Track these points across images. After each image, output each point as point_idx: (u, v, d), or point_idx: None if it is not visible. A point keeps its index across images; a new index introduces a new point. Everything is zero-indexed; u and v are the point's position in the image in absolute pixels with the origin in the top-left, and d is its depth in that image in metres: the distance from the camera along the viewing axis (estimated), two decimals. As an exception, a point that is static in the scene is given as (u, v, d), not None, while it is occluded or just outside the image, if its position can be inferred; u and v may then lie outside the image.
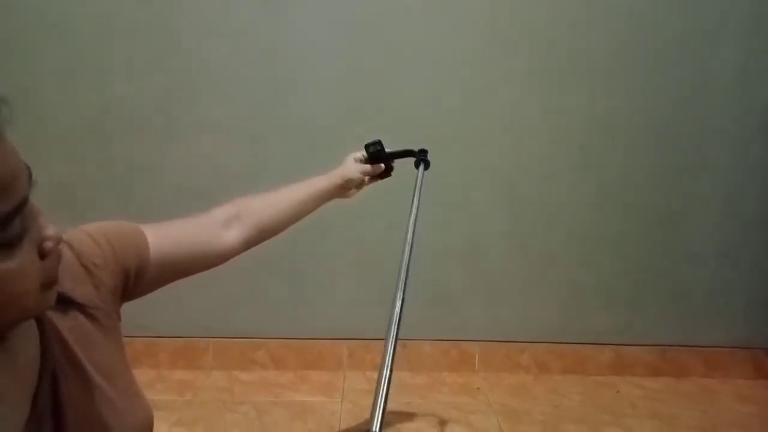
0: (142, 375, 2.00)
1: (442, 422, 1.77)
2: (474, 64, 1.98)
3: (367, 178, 1.20)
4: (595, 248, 2.12)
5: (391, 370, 0.72)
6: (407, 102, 1.99)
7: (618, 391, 2.03)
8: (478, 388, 2.01)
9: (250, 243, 0.95)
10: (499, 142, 2.04)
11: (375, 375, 2.06)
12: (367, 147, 1.20)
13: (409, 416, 1.80)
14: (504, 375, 2.11)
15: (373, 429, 0.67)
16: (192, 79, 1.95)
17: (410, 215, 1.05)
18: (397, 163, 1.27)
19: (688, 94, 2.02)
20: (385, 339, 0.76)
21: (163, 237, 0.79)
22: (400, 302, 0.85)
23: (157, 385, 1.96)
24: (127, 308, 2.25)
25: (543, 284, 2.13)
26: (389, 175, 1.25)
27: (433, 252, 2.09)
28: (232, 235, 0.91)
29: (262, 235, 0.97)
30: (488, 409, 1.86)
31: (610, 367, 2.15)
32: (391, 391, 2.08)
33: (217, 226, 0.90)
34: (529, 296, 2.14)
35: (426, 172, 1.26)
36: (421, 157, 1.27)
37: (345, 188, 1.15)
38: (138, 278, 0.75)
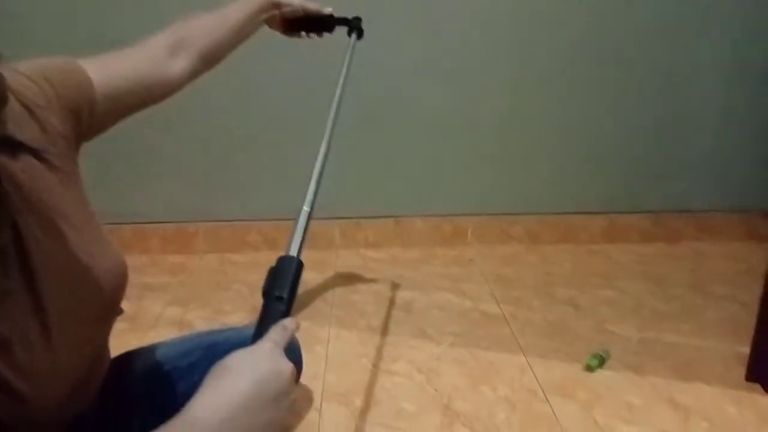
0: (133, 260, 2.00)
1: (434, 291, 1.79)
2: None
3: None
4: (588, 115, 2.04)
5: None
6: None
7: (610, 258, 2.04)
8: (470, 260, 2.02)
9: (198, 72, 0.90)
10: (496, 5, 1.89)
11: (368, 252, 2.08)
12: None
13: (400, 287, 1.82)
14: (496, 247, 2.12)
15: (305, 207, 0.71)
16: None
17: (338, 85, 0.98)
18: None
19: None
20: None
21: (106, 71, 0.72)
22: (318, 174, 0.81)
23: (150, 269, 1.96)
24: (113, 195, 2.22)
25: (534, 155, 2.08)
26: (329, 30, 1.20)
27: (425, 126, 2.02)
28: (178, 65, 0.85)
29: (208, 62, 0.92)
30: (480, 278, 1.88)
31: (602, 236, 2.15)
32: (382, 266, 2.07)
33: (162, 55, 0.83)
34: (521, 168, 2.09)
35: (359, 42, 1.19)
36: (353, 25, 1.20)
37: (270, 9, 1.08)
38: (89, 119, 0.69)
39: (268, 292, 0.63)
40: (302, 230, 0.71)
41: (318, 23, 1.17)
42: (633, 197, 2.14)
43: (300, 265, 0.66)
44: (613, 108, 2.03)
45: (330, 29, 1.21)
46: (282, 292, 0.62)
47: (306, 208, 0.74)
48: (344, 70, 1.05)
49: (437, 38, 1.92)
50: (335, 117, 0.96)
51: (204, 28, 0.92)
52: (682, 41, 1.97)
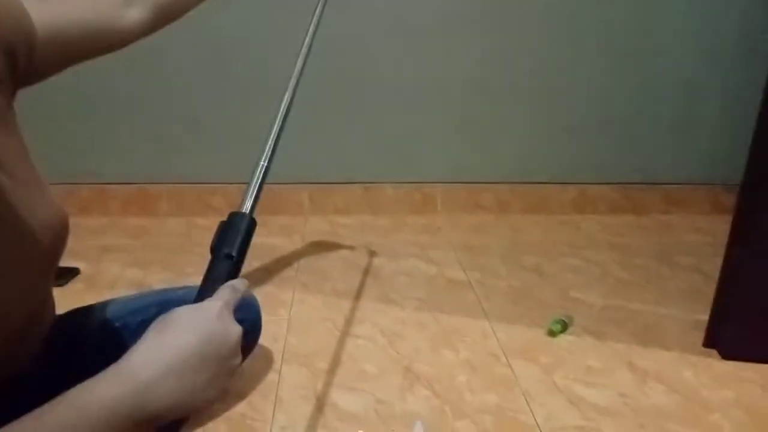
0: (92, 222, 1.94)
1: (402, 258, 1.77)
2: None
3: None
4: (558, 85, 2.02)
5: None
6: None
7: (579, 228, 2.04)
8: (439, 228, 2.01)
9: (154, 25, 0.82)
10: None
11: (337, 219, 2.05)
12: None
13: (368, 253, 1.79)
14: (466, 216, 2.11)
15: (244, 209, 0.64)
16: None
17: (307, 33, 0.92)
18: None
19: None
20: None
21: (50, 12, 0.66)
22: (278, 127, 0.76)
23: (110, 231, 1.90)
24: (72, 153, 2.14)
25: (505, 124, 2.06)
26: None
27: (396, 93, 1.97)
28: (133, 14, 0.78)
29: (167, 16, 0.85)
30: (448, 246, 1.87)
31: (572, 206, 2.16)
32: (351, 232, 2.05)
33: (115, 3, 0.77)
34: (492, 137, 2.07)
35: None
36: None
37: None
38: (27, 60, 0.63)
39: (216, 249, 0.59)
40: (257, 186, 0.67)
41: None
42: (603, 168, 2.14)
43: (252, 223, 0.62)
44: (584, 79, 2.02)
45: None
46: (231, 249, 0.58)
47: (263, 163, 0.70)
48: (314, 20, 1.00)
49: (408, 4, 1.87)
50: (302, 67, 0.90)
51: None
52: (651, 13, 1.95)
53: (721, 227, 1.98)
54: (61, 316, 0.85)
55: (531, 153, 2.11)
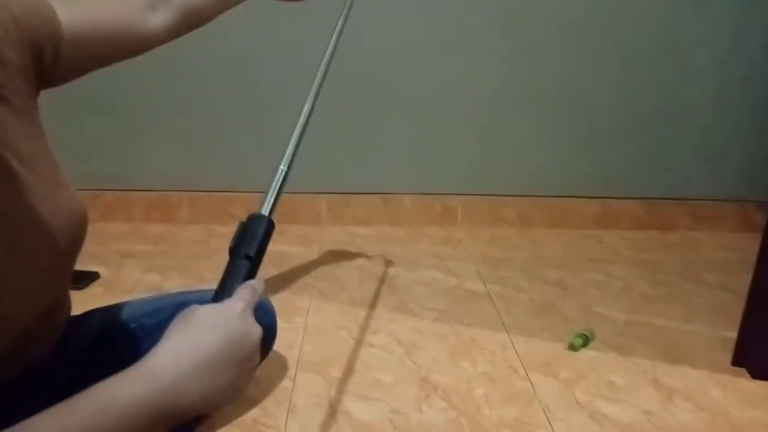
0: (115, 228, 1.96)
1: (420, 268, 1.75)
2: None
3: None
4: (582, 97, 1.99)
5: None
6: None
7: (601, 242, 2.00)
8: (459, 240, 1.98)
9: (178, 31, 0.83)
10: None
11: (356, 229, 2.05)
12: None
13: (386, 263, 1.78)
14: (487, 228, 2.08)
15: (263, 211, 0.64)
16: None
17: (330, 41, 0.93)
18: None
19: None
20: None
21: (76, 13, 0.67)
22: (299, 133, 0.77)
23: (131, 237, 1.92)
24: (96, 159, 2.17)
25: (528, 136, 2.03)
26: None
27: (417, 103, 1.97)
28: (158, 19, 0.79)
29: (190, 22, 0.85)
30: (468, 258, 1.84)
31: (595, 221, 2.11)
32: (369, 243, 2.04)
33: (141, 6, 0.78)
34: (515, 149, 2.05)
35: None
36: None
37: None
38: (53, 59, 0.64)
39: (235, 249, 0.59)
40: (276, 189, 0.67)
41: None
42: (628, 183, 2.10)
43: (271, 225, 0.63)
44: (610, 92, 1.99)
45: None
46: (250, 250, 0.59)
47: (282, 167, 0.70)
48: (338, 28, 1.01)
49: (430, 13, 1.87)
50: (324, 74, 0.91)
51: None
52: (679, 29, 1.92)
53: (750, 245, 1.92)
54: (76, 316, 0.85)
55: (553, 166, 2.08)
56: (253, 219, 0.62)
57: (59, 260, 0.66)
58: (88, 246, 1.93)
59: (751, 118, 2.03)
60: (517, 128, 2.02)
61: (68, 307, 0.80)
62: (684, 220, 2.12)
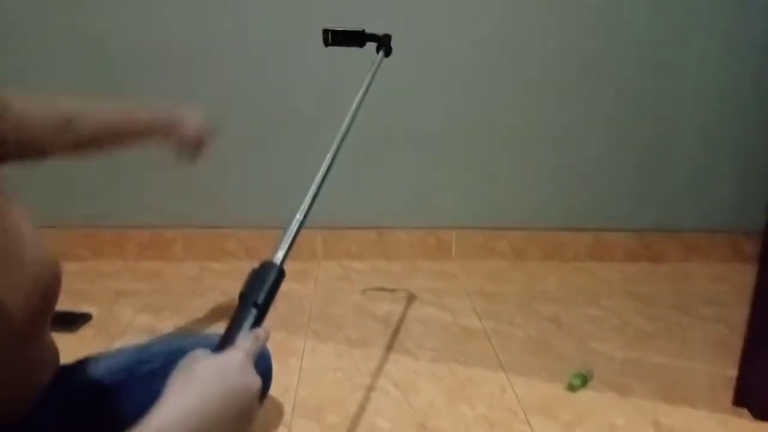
0: (108, 266, 1.94)
1: (416, 304, 1.74)
2: None
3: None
4: (574, 132, 2.02)
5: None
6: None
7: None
8: (454, 275, 1.98)
9: (72, 155, 0.87)
10: (483, 18, 1.88)
11: (351, 263, 2.04)
12: (325, 31, 1.20)
13: (381, 299, 1.77)
14: (481, 261, 2.08)
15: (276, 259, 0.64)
16: None
17: (357, 97, 0.98)
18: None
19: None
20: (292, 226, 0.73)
21: (25, 101, 0.73)
22: (318, 184, 0.82)
23: (124, 275, 1.90)
24: (91, 198, 2.15)
25: (521, 169, 2.05)
26: (359, 45, 1.24)
27: (410, 137, 1.99)
28: (63, 141, 0.83)
29: (86, 151, 0.89)
30: (463, 292, 1.84)
31: (588, 253, 2.12)
32: (363, 277, 2.03)
33: (58, 123, 0.81)
34: (507, 182, 2.06)
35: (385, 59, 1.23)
36: (384, 42, 1.24)
37: (167, 131, 1.03)
38: None
39: (245, 296, 0.60)
40: (291, 238, 0.69)
41: (350, 37, 1.21)
42: (619, 215, 2.12)
43: (282, 274, 0.63)
44: (602, 125, 2.02)
45: (361, 44, 1.24)
46: (258, 297, 0.59)
47: (299, 217, 0.72)
48: (366, 85, 1.06)
49: (425, 48, 1.90)
50: (347, 129, 0.97)
51: (103, 119, 0.90)
52: (668, 64, 1.96)
53: (742, 276, 1.94)
54: (66, 365, 0.84)
55: (546, 199, 2.09)
56: (265, 267, 0.62)
57: (35, 314, 0.65)
58: (81, 285, 1.90)
59: (738, 150, 2.06)
60: (510, 162, 2.04)
61: (55, 356, 0.79)
62: (675, 251, 2.13)
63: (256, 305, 0.58)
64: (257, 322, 0.58)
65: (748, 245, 2.10)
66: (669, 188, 2.10)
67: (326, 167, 0.83)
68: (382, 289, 1.84)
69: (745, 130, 2.04)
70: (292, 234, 0.69)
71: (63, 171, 1.87)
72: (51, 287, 0.66)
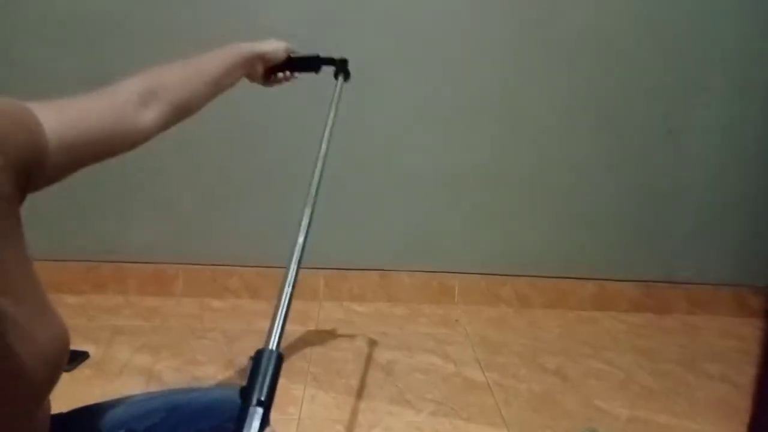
0: (109, 301, 1.93)
1: (418, 352, 1.72)
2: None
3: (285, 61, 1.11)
4: (580, 180, 2.03)
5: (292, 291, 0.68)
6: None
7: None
8: (456, 320, 1.96)
9: (168, 124, 0.83)
10: (489, 65, 1.91)
11: (353, 305, 2.02)
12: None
13: (383, 345, 1.75)
14: (484, 308, 2.06)
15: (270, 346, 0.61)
16: None
17: (325, 128, 0.97)
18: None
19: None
20: (287, 266, 0.71)
21: (63, 118, 0.64)
22: (308, 220, 0.80)
23: (124, 311, 1.88)
24: (93, 231, 2.13)
25: (525, 216, 2.05)
26: (314, 70, 1.18)
27: (415, 180, 1.99)
28: (149, 116, 0.79)
29: (180, 115, 0.86)
30: (466, 341, 1.81)
31: (592, 302, 2.11)
32: (366, 321, 2.00)
33: (131, 103, 0.76)
34: (512, 228, 2.06)
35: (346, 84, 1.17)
36: (340, 66, 1.18)
37: (254, 63, 1.06)
38: (38, 172, 0.61)
39: (247, 394, 0.57)
40: (283, 316, 0.65)
41: (303, 64, 1.14)
42: (624, 264, 2.11)
43: (280, 360, 0.60)
44: (607, 173, 2.03)
45: (316, 69, 1.18)
46: (261, 394, 0.57)
47: (288, 289, 0.68)
48: (331, 114, 1.03)
49: (427, 91, 1.92)
50: (321, 173, 0.94)
51: (179, 76, 0.88)
52: (675, 112, 1.98)
53: (748, 331, 1.93)
54: (62, 416, 0.82)
55: (551, 246, 2.09)
56: (262, 356, 0.60)
57: (38, 391, 0.63)
58: (80, 322, 1.87)
59: (745, 203, 2.07)
60: (515, 208, 2.04)
61: (48, 410, 0.77)
62: (681, 303, 2.12)
63: (260, 403, 0.56)
64: (264, 420, 0.56)
65: (754, 300, 2.08)
66: (674, 240, 2.09)
67: (304, 229, 0.80)
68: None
69: (751, 185, 2.04)
70: (284, 311, 0.66)
71: (64, 205, 1.87)
72: (57, 364, 0.64)
